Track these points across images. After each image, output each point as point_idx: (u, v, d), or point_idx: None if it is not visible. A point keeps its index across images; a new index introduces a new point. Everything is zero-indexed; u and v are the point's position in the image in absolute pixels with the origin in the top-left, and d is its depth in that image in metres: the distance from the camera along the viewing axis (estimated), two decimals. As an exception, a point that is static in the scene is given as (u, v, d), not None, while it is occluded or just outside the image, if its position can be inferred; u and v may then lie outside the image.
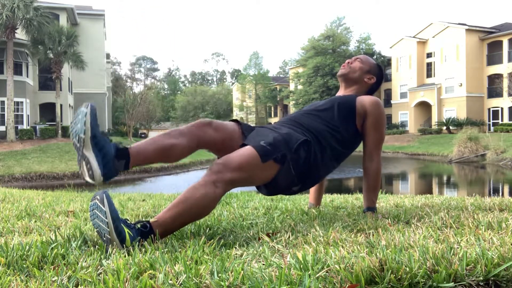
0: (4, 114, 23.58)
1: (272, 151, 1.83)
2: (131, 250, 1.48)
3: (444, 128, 33.62)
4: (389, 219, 1.94)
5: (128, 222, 1.64)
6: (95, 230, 1.59)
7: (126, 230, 1.57)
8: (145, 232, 1.64)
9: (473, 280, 1.08)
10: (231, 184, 1.77)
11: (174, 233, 1.77)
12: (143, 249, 1.50)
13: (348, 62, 2.39)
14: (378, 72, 2.40)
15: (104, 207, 1.55)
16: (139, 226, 1.65)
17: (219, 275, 1.14)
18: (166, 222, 1.67)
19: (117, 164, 1.70)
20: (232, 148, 1.90)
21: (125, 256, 1.41)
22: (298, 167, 1.93)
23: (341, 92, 2.40)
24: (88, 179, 1.65)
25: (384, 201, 2.91)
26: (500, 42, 33.86)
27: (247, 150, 1.81)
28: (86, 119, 1.62)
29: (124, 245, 1.55)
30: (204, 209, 1.73)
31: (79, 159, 1.63)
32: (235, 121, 2.06)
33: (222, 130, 1.94)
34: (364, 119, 2.17)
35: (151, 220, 1.67)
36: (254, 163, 1.80)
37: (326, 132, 2.07)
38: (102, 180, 1.65)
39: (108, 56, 40.34)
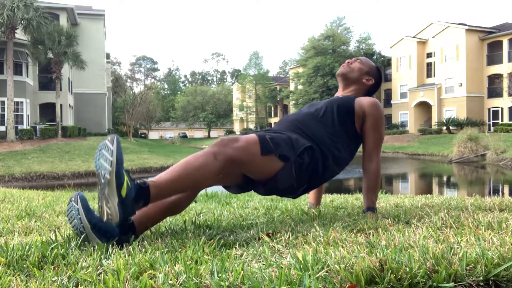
0: (4, 114, 23.58)
1: (273, 148, 1.85)
2: (131, 250, 1.48)
3: (444, 128, 33.62)
4: (389, 219, 1.94)
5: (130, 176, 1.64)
6: (96, 172, 1.58)
7: (126, 178, 1.57)
8: (143, 188, 1.62)
9: (473, 280, 1.08)
10: (231, 161, 1.75)
11: (174, 233, 1.77)
12: (143, 249, 1.50)
13: (348, 62, 2.41)
14: (377, 75, 2.41)
15: (112, 146, 1.55)
16: (138, 181, 1.65)
17: (219, 275, 1.14)
18: (162, 184, 1.68)
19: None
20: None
21: (125, 256, 1.41)
22: (300, 171, 1.93)
23: (339, 93, 2.41)
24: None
25: (384, 201, 2.91)
26: (500, 42, 33.86)
27: (253, 138, 1.84)
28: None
29: (120, 193, 1.53)
30: (201, 179, 1.73)
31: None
32: None
33: None
34: (363, 120, 2.18)
35: (149, 179, 1.68)
36: (255, 151, 1.81)
37: (328, 140, 2.07)
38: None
39: (108, 56, 40.33)
